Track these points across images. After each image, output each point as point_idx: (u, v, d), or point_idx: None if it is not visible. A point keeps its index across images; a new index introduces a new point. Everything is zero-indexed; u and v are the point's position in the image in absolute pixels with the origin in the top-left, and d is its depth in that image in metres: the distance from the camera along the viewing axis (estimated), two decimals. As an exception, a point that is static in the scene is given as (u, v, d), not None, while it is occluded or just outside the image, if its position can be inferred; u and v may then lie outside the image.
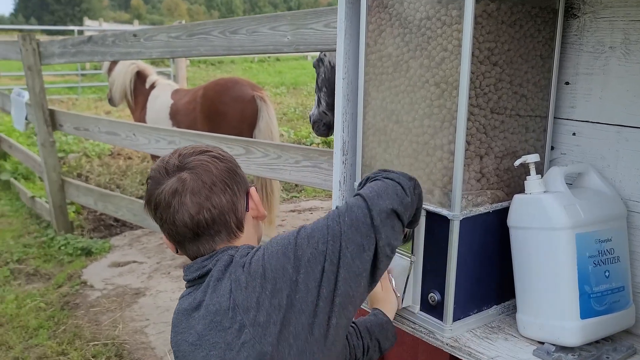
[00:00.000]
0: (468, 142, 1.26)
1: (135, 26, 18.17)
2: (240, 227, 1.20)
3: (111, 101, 5.28)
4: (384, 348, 1.37)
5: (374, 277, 1.12)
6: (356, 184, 1.50)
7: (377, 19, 1.38)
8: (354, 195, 1.16)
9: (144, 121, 4.94)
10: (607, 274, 1.25)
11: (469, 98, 1.22)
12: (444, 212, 1.27)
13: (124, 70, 5.06)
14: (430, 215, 1.30)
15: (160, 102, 4.92)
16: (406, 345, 1.77)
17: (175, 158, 1.19)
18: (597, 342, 1.27)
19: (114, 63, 5.16)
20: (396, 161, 1.38)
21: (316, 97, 3.27)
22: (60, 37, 5.31)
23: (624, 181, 1.34)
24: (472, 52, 1.20)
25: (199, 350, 1.09)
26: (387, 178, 1.19)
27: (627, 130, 1.32)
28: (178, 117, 4.76)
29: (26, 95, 5.02)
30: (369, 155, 1.46)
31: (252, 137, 4.35)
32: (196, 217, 1.14)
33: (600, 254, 1.24)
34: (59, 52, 4.36)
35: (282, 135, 8.65)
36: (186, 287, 1.20)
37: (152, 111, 4.95)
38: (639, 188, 1.31)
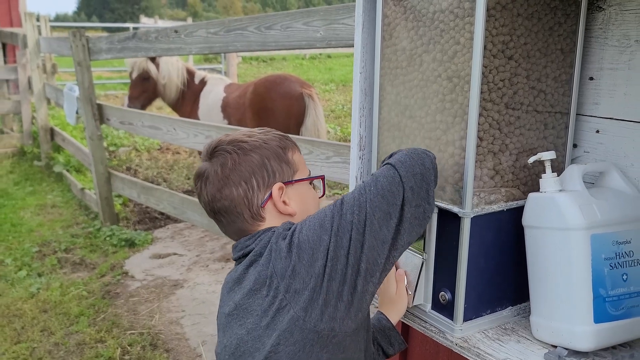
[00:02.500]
0: (480, 138, 1.23)
1: (190, 23, 18.50)
2: (257, 218, 1.22)
3: (132, 102, 5.37)
4: (388, 354, 1.35)
5: (395, 242, 1.13)
6: (372, 179, 1.48)
7: (392, 12, 1.36)
8: (382, 165, 1.18)
9: (195, 115, 5.07)
10: (624, 277, 1.19)
11: (482, 93, 1.19)
12: (455, 209, 1.24)
13: (175, 70, 5.16)
14: (442, 212, 1.28)
15: (213, 95, 5.05)
16: (429, 344, 1.75)
17: (215, 142, 1.25)
18: (613, 347, 1.22)
19: (131, 68, 5.25)
20: (409, 157, 1.36)
21: None
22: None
23: (648, 181, 1.28)
24: (485, 46, 1.17)
25: (237, 319, 1.14)
26: (411, 149, 1.20)
27: (653, 128, 1.26)
28: (229, 109, 4.87)
29: (77, 90, 5.19)
30: (383, 151, 1.44)
31: (299, 134, 4.39)
32: (210, 204, 1.23)
33: (617, 256, 1.19)
34: (106, 47, 4.48)
35: (328, 132, 8.66)
36: (235, 265, 1.25)
37: (204, 105, 5.08)
38: (664, 189, 1.25)
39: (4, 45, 9.27)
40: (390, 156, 1.22)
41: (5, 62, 9.24)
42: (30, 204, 5.77)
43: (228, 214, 1.22)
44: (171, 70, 5.17)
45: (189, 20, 21.07)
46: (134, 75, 5.22)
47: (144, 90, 5.29)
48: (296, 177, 1.26)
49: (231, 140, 1.24)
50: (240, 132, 1.29)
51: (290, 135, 1.36)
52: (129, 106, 5.21)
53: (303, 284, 1.07)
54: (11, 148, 7.92)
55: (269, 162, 1.23)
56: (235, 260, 1.23)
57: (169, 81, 5.17)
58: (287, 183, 1.24)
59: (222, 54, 13.27)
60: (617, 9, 1.29)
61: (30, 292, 3.82)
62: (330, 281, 1.06)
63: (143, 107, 5.38)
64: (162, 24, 19.44)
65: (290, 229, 1.15)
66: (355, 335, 1.14)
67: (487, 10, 1.15)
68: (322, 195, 1.34)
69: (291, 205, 1.24)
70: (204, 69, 13.76)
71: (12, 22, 11.88)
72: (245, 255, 1.19)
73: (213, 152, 1.24)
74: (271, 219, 1.22)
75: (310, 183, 1.31)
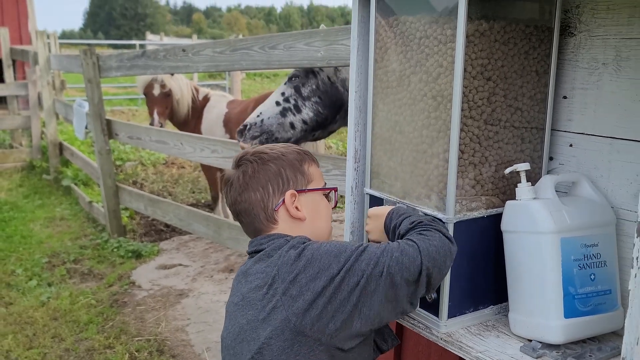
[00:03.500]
0: (462, 151, 1.36)
1: (194, 40, 18.77)
2: (271, 220, 1.37)
3: (160, 117, 5.51)
4: (382, 349, 1.46)
5: (398, 306, 1.25)
6: (366, 189, 1.61)
7: (383, 37, 1.50)
8: (408, 239, 1.27)
9: (198, 129, 5.24)
10: (592, 277, 1.32)
11: (462, 110, 1.32)
12: (439, 215, 1.37)
13: (184, 87, 5.34)
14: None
15: (217, 111, 5.24)
16: (422, 346, 1.86)
17: (242, 153, 1.42)
18: (583, 341, 1.34)
19: (150, 85, 5.39)
20: (399, 169, 1.49)
21: (288, 105, 2.85)
22: (118, 52, 5.61)
23: (615, 190, 1.41)
24: (465, 68, 1.30)
25: (241, 309, 1.29)
26: (438, 231, 1.29)
27: (619, 142, 1.39)
28: (230, 124, 5.03)
29: (86, 106, 5.35)
30: (375, 163, 1.57)
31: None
32: (233, 206, 1.40)
33: (585, 258, 1.32)
34: (116, 65, 4.65)
35: (330, 147, 8.80)
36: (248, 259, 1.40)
37: (207, 120, 5.26)
38: (629, 197, 1.38)
39: (14, 62, 9.47)
40: (420, 223, 1.31)
41: (15, 78, 9.43)
42: (39, 217, 5.91)
43: (247, 215, 1.38)
44: (182, 87, 5.35)
45: (194, 37, 21.34)
46: (156, 92, 5.36)
47: (167, 106, 5.44)
48: (310, 187, 1.40)
49: (255, 151, 1.40)
50: (265, 145, 1.45)
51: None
52: (160, 122, 5.34)
53: (299, 292, 1.20)
54: (21, 162, 8.08)
55: (285, 171, 1.38)
56: (248, 254, 1.38)
57: (182, 97, 5.34)
58: (300, 191, 1.38)
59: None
60: (587, 35, 1.43)
61: (41, 301, 3.95)
62: (327, 304, 1.19)
63: (165, 124, 5.53)
64: (167, 40, 19.71)
65: (304, 242, 1.29)
66: (348, 353, 1.25)
67: (467, 37, 1.29)
68: (335, 206, 1.48)
69: (302, 211, 1.38)
70: (209, 85, 13.97)
71: (22, 40, 12.12)
72: (256, 252, 1.34)
73: (239, 162, 1.40)
74: (284, 222, 1.37)
75: (324, 194, 1.45)
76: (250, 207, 1.37)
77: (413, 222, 1.32)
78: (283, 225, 1.37)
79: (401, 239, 1.30)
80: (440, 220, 1.36)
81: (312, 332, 1.19)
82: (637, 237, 1.03)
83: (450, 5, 1.29)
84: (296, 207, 1.37)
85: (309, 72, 2.78)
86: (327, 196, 1.45)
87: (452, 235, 1.32)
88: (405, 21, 1.43)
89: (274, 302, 1.22)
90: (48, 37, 10.12)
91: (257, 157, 1.38)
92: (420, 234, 1.27)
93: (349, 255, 1.23)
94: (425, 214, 1.40)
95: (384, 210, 1.46)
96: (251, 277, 1.30)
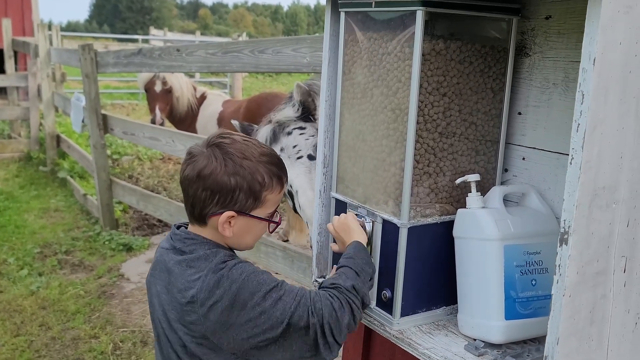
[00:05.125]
0: (417, 161, 1.46)
1: (198, 37, 18.89)
2: (201, 220, 1.41)
3: (162, 113, 5.62)
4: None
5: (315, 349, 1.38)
6: (332, 193, 1.71)
7: (351, 51, 1.60)
8: (324, 299, 1.37)
9: (193, 126, 5.39)
10: (533, 282, 1.42)
11: (418, 123, 1.42)
12: (394, 220, 1.47)
13: (185, 85, 5.45)
14: (385, 222, 1.50)
15: (212, 109, 5.37)
16: (387, 344, 1.96)
17: (218, 139, 1.41)
18: (524, 342, 1.44)
19: (152, 81, 5.49)
20: (361, 175, 1.59)
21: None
22: (119, 46, 5.70)
23: (560, 202, 1.49)
24: (421, 84, 1.40)
25: (167, 303, 1.39)
26: (351, 307, 1.38)
27: (564, 157, 1.48)
28: (223, 123, 5.16)
29: (84, 100, 5.45)
30: (341, 169, 1.67)
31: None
32: (183, 180, 1.41)
33: (527, 264, 1.41)
34: (113, 62, 4.75)
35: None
36: (168, 240, 1.45)
37: (203, 117, 5.39)
38: (572, 209, 1.48)
39: (15, 53, 9.57)
40: (346, 290, 1.40)
41: (16, 69, 9.54)
42: (34, 207, 6.01)
43: (187, 198, 1.41)
44: (182, 84, 5.46)
45: (198, 34, 21.44)
46: (158, 88, 5.46)
47: (167, 102, 5.54)
48: (255, 213, 1.40)
49: (229, 151, 1.37)
50: (248, 144, 1.42)
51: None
52: (162, 118, 5.44)
53: (217, 318, 1.31)
54: (18, 153, 8.19)
55: (238, 192, 1.37)
56: (172, 241, 1.43)
57: (182, 94, 5.45)
58: (240, 213, 1.39)
59: (228, 68, 13.58)
60: (540, 56, 1.53)
61: (31, 290, 4.05)
62: (241, 331, 1.32)
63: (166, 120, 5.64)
64: (171, 36, 19.82)
65: (224, 267, 1.34)
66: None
67: (423, 55, 1.38)
68: (272, 232, 1.51)
69: (233, 228, 1.40)
70: (210, 82, 14.06)
71: (25, 31, 12.22)
72: (179, 250, 1.40)
73: (211, 146, 1.39)
74: (211, 229, 1.41)
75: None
76: (193, 197, 1.39)
77: (340, 286, 1.40)
78: (209, 230, 1.41)
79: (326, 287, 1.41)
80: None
81: (228, 348, 1.35)
82: (559, 247, 1.13)
83: (409, 25, 1.39)
84: (229, 222, 1.39)
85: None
86: (269, 221, 1.46)
87: (358, 317, 1.41)
88: (370, 37, 1.53)
89: (193, 318, 1.33)
90: (50, 29, 10.21)
91: (224, 161, 1.36)
92: (336, 297, 1.38)
93: (263, 297, 1.32)
94: (382, 218, 1.50)
95: (353, 233, 1.53)
96: (173, 279, 1.37)
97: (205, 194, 1.38)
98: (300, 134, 2.44)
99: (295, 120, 2.46)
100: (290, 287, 1.37)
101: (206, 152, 1.38)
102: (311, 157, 2.40)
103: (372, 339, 2.05)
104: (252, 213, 1.40)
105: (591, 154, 1.07)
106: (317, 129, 2.36)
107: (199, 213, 1.40)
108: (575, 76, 1.45)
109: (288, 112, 2.47)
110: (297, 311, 1.32)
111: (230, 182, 1.36)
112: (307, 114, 2.46)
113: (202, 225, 1.42)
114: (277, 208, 1.48)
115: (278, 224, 1.48)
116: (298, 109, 2.44)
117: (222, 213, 1.37)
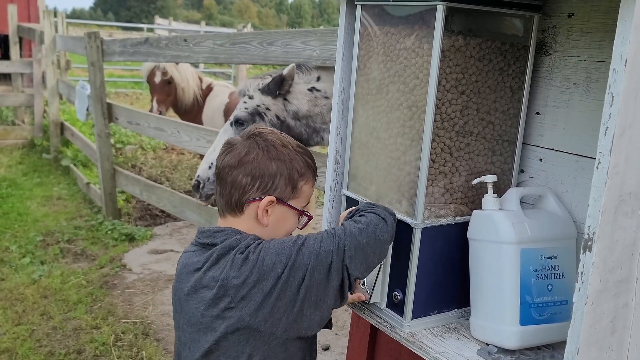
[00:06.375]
0: (433, 160, 1.42)
1: (203, 27, 18.81)
2: (238, 208, 1.40)
3: (160, 105, 5.57)
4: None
5: (342, 294, 1.36)
6: (343, 190, 1.68)
7: (366, 46, 1.56)
8: (343, 223, 1.39)
9: (199, 117, 5.35)
10: (550, 287, 1.38)
11: (435, 121, 1.38)
12: (408, 220, 1.43)
13: (190, 75, 5.41)
14: (398, 222, 1.47)
15: (218, 100, 5.32)
16: (393, 344, 1.93)
17: (259, 130, 1.44)
18: (538, 348, 1.41)
19: (152, 72, 5.44)
20: (374, 173, 1.55)
21: None
22: (122, 37, 5.66)
23: (578, 205, 1.47)
24: (439, 82, 1.36)
25: (195, 302, 1.36)
26: (373, 212, 1.40)
27: (584, 159, 1.45)
28: (229, 114, 5.12)
29: (89, 88, 5.41)
30: (353, 166, 1.64)
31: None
32: (219, 169, 1.42)
33: (544, 269, 1.38)
34: (119, 50, 4.71)
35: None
36: (194, 244, 1.44)
37: (209, 108, 5.35)
38: (591, 213, 1.44)
39: (20, 40, 9.53)
40: (359, 210, 1.42)
41: (21, 55, 9.49)
42: (37, 195, 5.98)
43: (224, 186, 1.41)
44: (188, 75, 5.42)
45: (203, 24, 21.35)
46: (157, 79, 5.42)
47: (168, 94, 5.50)
48: (291, 202, 1.43)
49: (269, 139, 1.42)
50: (282, 136, 1.45)
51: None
52: (158, 109, 5.40)
53: (249, 294, 1.28)
54: (22, 140, 8.16)
55: (279, 178, 1.40)
56: (200, 244, 1.41)
57: (187, 85, 5.41)
58: (280, 201, 1.41)
59: (233, 59, 13.52)
60: (561, 55, 1.49)
61: (33, 279, 4.03)
62: (277, 301, 1.28)
63: (167, 111, 5.59)
64: (176, 25, 19.73)
65: (250, 245, 1.34)
66: (301, 342, 1.36)
67: (442, 51, 1.34)
68: (302, 227, 1.52)
69: (270, 217, 1.42)
70: (214, 73, 14.00)
71: (30, 17, 12.17)
72: (209, 245, 1.38)
73: (252, 136, 1.42)
74: (247, 217, 1.41)
75: (299, 215, 1.48)
76: (232, 184, 1.39)
77: (351, 212, 1.44)
78: (245, 220, 1.41)
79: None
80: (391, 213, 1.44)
81: (266, 328, 1.28)
82: (582, 253, 1.09)
83: (429, 21, 1.35)
84: (267, 211, 1.40)
85: (255, 115, 2.66)
86: (299, 217, 1.49)
87: (389, 214, 1.41)
88: (387, 32, 1.49)
89: (226, 303, 1.30)
90: (55, 15, 10.16)
91: (266, 147, 1.39)
92: (352, 220, 1.39)
93: (289, 252, 1.31)
94: (398, 220, 1.46)
95: None
96: (201, 273, 1.35)
97: (246, 179, 1.38)
98: (244, 101, 2.66)
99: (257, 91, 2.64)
100: (312, 234, 1.37)
101: (247, 141, 1.41)
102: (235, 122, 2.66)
103: (378, 338, 2.02)
104: (289, 202, 1.43)
105: (618, 159, 1.03)
106: (264, 103, 2.63)
107: (237, 200, 1.40)
108: (598, 76, 1.41)
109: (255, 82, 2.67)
110: (322, 246, 1.32)
111: (272, 166, 1.39)
112: (277, 88, 2.60)
113: (239, 214, 1.41)
114: (307, 204, 1.50)
115: (310, 217, 1.51)
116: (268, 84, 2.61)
117: (261, 199, 1.39)
